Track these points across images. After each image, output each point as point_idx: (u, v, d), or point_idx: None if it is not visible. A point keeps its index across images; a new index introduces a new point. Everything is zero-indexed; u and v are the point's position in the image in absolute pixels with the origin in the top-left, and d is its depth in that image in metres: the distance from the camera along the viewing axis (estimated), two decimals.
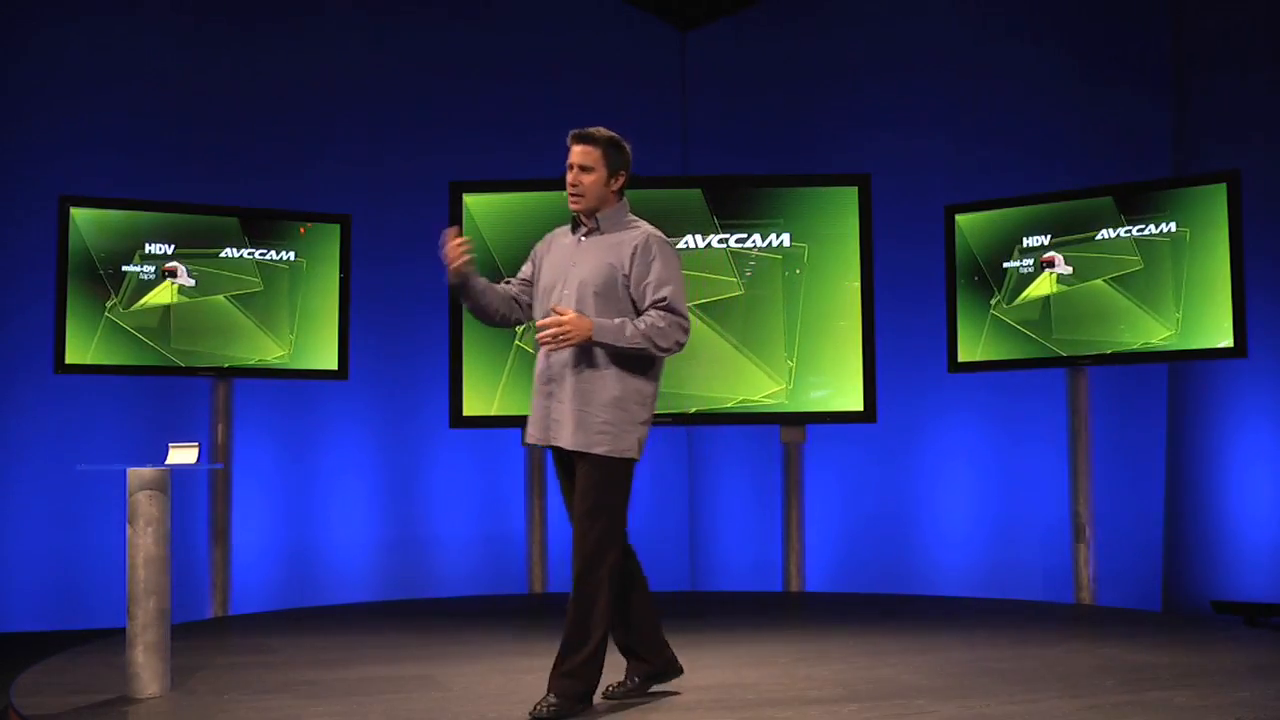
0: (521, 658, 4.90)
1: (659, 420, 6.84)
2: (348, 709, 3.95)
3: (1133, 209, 6.65)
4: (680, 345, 3.81)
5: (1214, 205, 6.43)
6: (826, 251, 7.02)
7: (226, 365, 6.84)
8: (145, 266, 6.73)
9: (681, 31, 8.92)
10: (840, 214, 7.03)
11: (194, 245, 6.82)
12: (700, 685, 4.27)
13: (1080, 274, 6.75)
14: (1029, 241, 6.87)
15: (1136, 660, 4.73)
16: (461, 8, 8.26)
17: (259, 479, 7.52)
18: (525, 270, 4.06)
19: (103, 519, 7.02)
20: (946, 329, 7.06)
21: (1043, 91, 7.75)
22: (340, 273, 7.04)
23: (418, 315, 7.82)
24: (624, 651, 4.03)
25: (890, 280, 7.43)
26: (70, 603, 7.06)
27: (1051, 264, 6.80)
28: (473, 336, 6.92)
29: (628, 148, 3.88)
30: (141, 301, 6.72)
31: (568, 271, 3.85)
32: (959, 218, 7.04)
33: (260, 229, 6.94)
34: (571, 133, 3.87)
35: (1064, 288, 6.78)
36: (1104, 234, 6.71)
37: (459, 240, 3.80)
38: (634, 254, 3.80)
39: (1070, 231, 6.78)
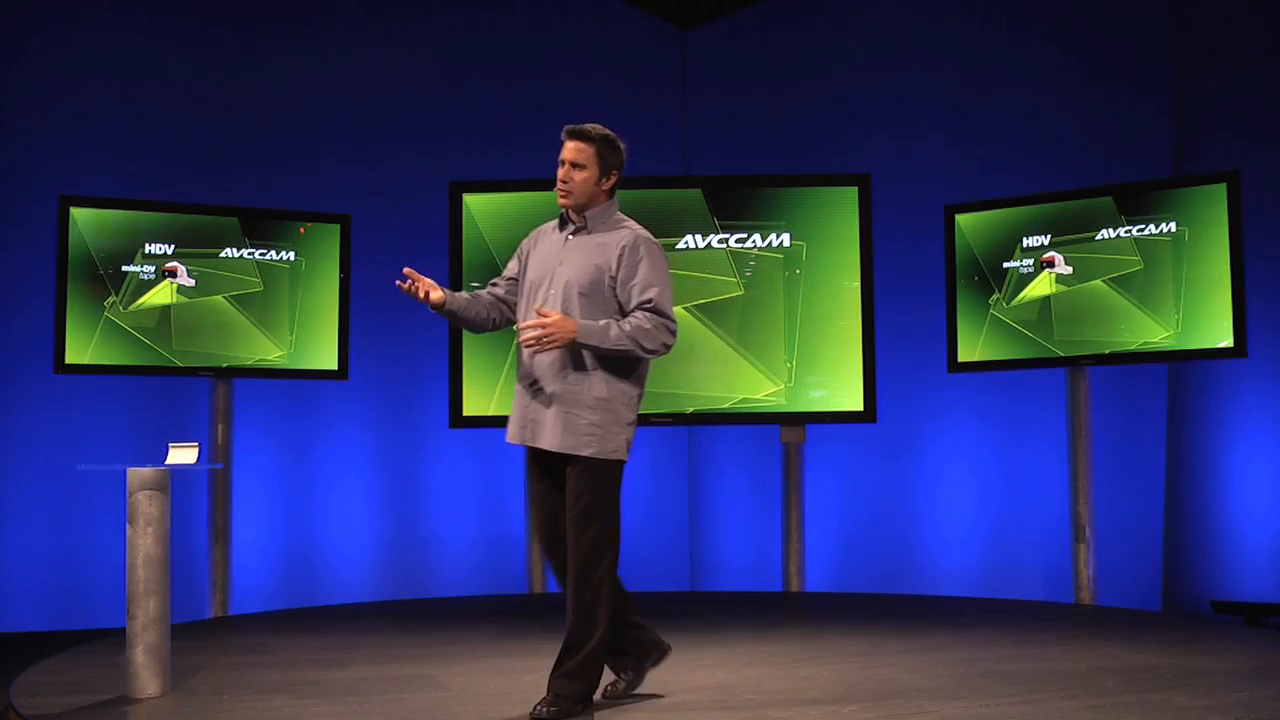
0: (521, 658, 4.90)
1: (659, 420, 6.85)
2: (347, 709, 3.95)
3: (1133, 209, 6.65)
4: (667, 348, 3.78)
5: (1214, 205, 6.44)
6: (826, 251, 7.02)
7: (226, 365, 6.84)
8: (145, 266, 6.73)
9: (681, 31, 8.91)
10: (840, 214, 7.03)
11: (194, 245, 6.82)
12: (700, 685, 4.27)
13: (1080, 274, 6.76)
14: (1029, 241, 6.87)
15: (1136, 660, 4.72)
16: (461, 8, 8.26)
17: (259, 479, 7.52)
18: (511, 267, 4.02)
19: (103, 519, 7.02)
20: (946, 329, 7.07)
21: (1043, 92, 7.75)
22: (340, 273, 7.04)
23: (418, 315, 7.75)
24: (610, 651, 3.99)
25: (890, 280, 7.44)
26: (70, 603, 7.06)
27: (1051, 264, 6.81)
28: (472, 337, 6.91)
29: (623, 147, 3.85)
30: (141, 301, 6.72)
31: (554, 270, 3.82)
32: (959, 218, 7.05)
33: (260, 229, 6.94)
34: (566, 128, 3.83)
35: (1064, 288, 6.79)
36: (1104, 234, 6.72)
37: (408, 284, 3.75)
38: (621, 255, 3.76)
39: (1070, 231, 6.79)
